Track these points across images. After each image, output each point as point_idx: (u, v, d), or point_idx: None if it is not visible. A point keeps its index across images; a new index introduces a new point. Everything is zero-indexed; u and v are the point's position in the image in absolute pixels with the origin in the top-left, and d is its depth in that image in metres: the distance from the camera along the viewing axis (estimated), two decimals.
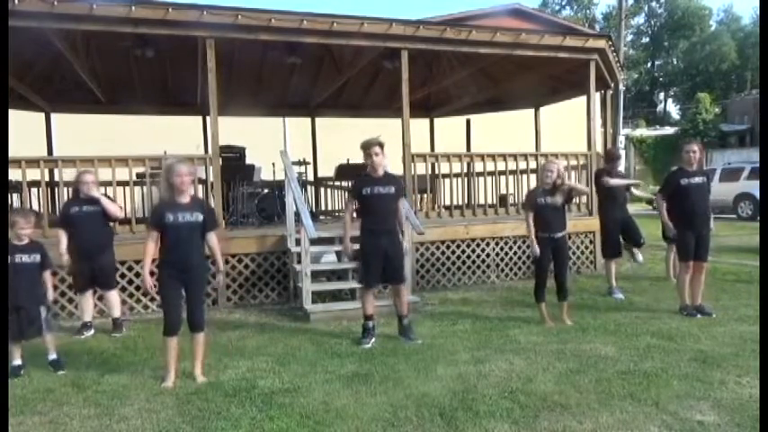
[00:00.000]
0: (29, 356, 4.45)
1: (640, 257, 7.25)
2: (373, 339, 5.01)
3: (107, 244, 5.60)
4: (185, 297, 4.10)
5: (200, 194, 8.33)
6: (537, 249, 5.44)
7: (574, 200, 5.74)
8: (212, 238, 4.19)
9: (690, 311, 5.66)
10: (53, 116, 10.58)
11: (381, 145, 5.02)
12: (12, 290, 4.25)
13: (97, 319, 5.83)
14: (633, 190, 7.46)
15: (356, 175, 5.35)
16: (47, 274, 4.54)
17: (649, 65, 59.74)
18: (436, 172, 8.54)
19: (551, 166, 5.51)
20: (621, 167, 7.15)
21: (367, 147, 4.98)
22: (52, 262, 4.69)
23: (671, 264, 7.62)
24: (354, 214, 5.19)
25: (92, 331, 5.56)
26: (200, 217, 4.05)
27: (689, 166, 5.70)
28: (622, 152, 7.41)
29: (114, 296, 5.66)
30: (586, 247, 8.51)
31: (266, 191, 9.84)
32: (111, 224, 5.87)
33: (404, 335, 5.09)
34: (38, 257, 4.46)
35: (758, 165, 16.21)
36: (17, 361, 4.36)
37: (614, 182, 6.80)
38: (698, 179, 5.67)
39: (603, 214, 6.88)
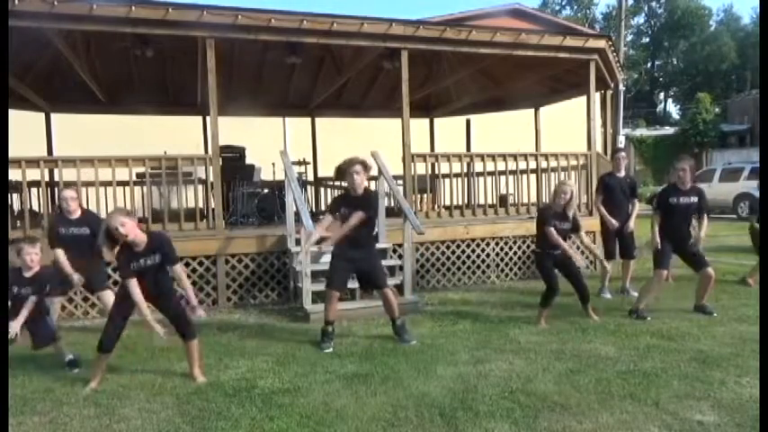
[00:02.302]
0: (29, 357, 4.46)
1: (635, 293, 6.70)
2: (332, 342, 4.90)
3: (96, 261, 5.40)
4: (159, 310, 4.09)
5: (200, 194, 8.35)
6: (577, 258, 5.51)
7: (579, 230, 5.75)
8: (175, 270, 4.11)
9: (641, 314, 5.63)
10: (53, 116, 10.58)
11: (364, 164, 4.94)
12: (20, 315, 4.16)
13: (97, 320, 5.83)
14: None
15: (339, 193, 5.33)
16: (55, 301, 4.50)
17: (649, 65, 59.78)
18: (436, 172, 8.54)
19: (566, 188, 5.53)
20: (622, 172, 7.00)
21: (348, 165, 4.92)
22: (57, 289, 4.61)
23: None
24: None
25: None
26: (158, 259, 3.98)
27: (681, 185, 5.69)
28: (623, 153, 7.26)
29: (109, 296, 5.59)
30: (587, 247, 8.49)
31: (266, 191, 9.84)
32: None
33: (398, 336, 5.07)
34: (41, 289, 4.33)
35: (758, 165, 16.20)
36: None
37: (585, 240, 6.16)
38: (686, 199, 5.66)
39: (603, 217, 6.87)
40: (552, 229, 5.43)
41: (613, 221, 6.65)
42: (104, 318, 5.71)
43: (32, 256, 4.26)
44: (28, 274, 4.28)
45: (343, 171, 4.99)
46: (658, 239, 5.67)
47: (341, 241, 4.97)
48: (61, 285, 4.92)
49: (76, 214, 5.37)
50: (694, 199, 5.69)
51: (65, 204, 5.36)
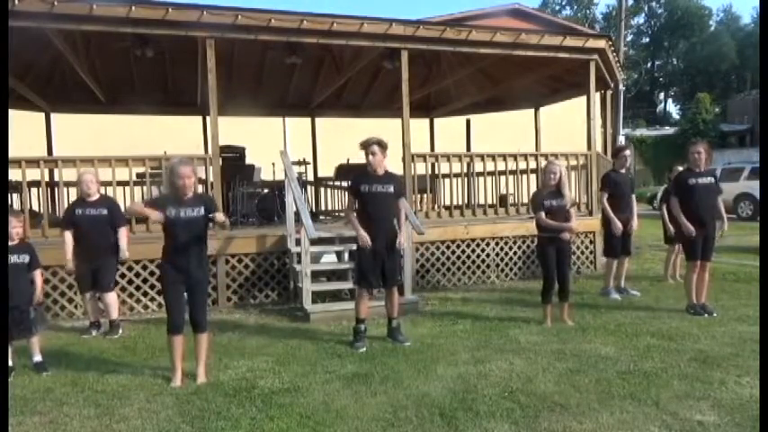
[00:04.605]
0: (27, 357, 4.46)
1: (635, 292, 6.82)
2: (365, 341, 4.94)
3: (109, 248, 5.55)
4: (187, 297, 4.11)
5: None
6: (565, 231, 5.36)
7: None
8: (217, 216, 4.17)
9: (697, 311, 5.68)
10: (53, 116, 10.58)
11: (381, 144, 4.92)
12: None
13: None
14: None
15: (356, 172, 5.19)
16: (36, 274, 4.48)
17: (649, 65, 59.79)
18: (436, 172, 8.54)
19: (554, 167, 5.47)
20: (625, 169, 6.96)
21: (365, 146, 4.92)
22: (40, 262, 4.66)
23: (670, 265, 7.62)
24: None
25: (101, 329, 5.58)
26: (202, 210, 4.03)
27: (696, 167, 5.73)
28: (628, 151, 7.23)
29: (112, 297, 5.62)
30: (586, 248, 8.50)
31: (266, 191, 9.84)
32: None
33: (392, 336, 5.06)
34: (27, 258, 4.43)
35: (758, 165, 16.21)
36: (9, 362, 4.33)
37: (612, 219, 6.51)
38: (705, 179, 5.69)
39: (608, 213, 6.82)
40: (542, 214, 5.40)
41: (618, 225, 6.48)
42: (102, 318, 5.80)
43: (18, 229, 4.45)
44: (12, 243, 4.40)
45: (362, 148, 4.96)
46: (690, 226, 5.59)
47: (366, 230, 4.86)
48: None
49: (95, 197, 5.56)
50: (711, 179, 5.72)
51: (84, 188, 5.52)
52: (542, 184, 5.66)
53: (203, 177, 7.58)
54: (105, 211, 5.51)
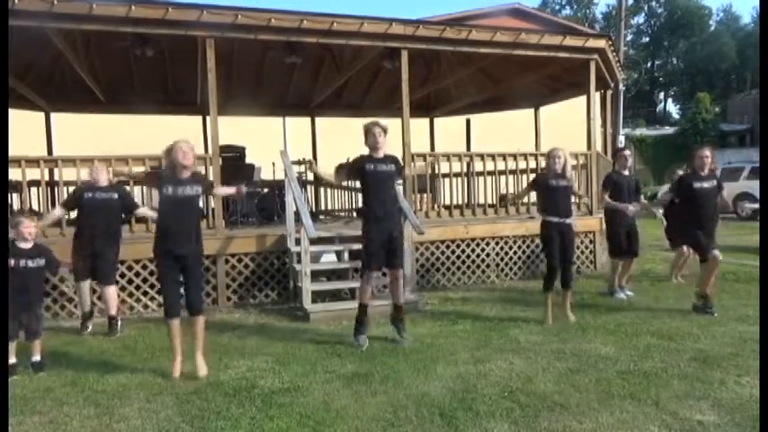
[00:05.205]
0: (26, 357, 4.45)
1: (629, 293, 6.78)
2: (366, 333, 4.95)
3: (114, 236, 5.53)
4: (183, 277, 4.15)
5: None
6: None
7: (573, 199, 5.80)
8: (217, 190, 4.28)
9: (707, 306, 5.70)
10: (53, 116, 10.58)
11: (384, 128, 4.99)
12: (18, 293, 4.25)
13: (96, 319, 5.81)
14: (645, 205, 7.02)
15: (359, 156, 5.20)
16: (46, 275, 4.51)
17: (649, 65, 59.80)
18: (436, 172, 8.53)
19: (557, 152, 5.57)
20: (627, 170, 6.93)
21: (372, 125, 4.96)
22: (58, 262, 4.67)
23: (676, 266, 7.60)
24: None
25: (93, 319, 5.58)
26: (199, 189, 4.15)
27: (701, 171, 5.81)
28: (627, 151, 7.23)
29: (112, 292, 5.55)
30: (586, 247, 8.50)
31: (266, 191, 9.84)
32: (124, 216, 5.84)
33: (396, 330, 5.03)
34: (42, 262, 4.44)
35: (758, 164, 16.22)
36: (12, 359, 4.35)
37: (612, 204, 6.59)
38: (708, 184, 5.78)
39: (611, 213, 6.80)
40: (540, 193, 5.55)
41: (628, 207, 6.48)
42: (102, 317, 5.80)
43: (31, 229, 4.40)
44: (26, 246, 4.38)
45: (365, 130, 5.02)
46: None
47: (374, 214, 4.90)
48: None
49: (105, 184, 5.58)
50: (714, 183, 5.81)
51: (95, 175, 5.54)
52: (547, 169, 5.72)
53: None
54: (116, 196, 5.52)
